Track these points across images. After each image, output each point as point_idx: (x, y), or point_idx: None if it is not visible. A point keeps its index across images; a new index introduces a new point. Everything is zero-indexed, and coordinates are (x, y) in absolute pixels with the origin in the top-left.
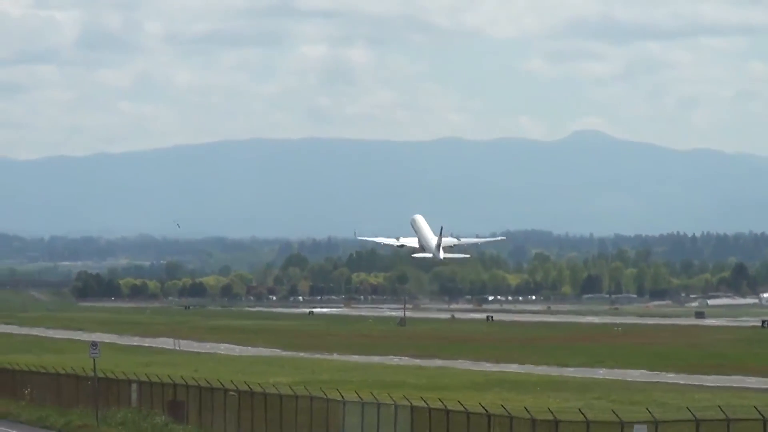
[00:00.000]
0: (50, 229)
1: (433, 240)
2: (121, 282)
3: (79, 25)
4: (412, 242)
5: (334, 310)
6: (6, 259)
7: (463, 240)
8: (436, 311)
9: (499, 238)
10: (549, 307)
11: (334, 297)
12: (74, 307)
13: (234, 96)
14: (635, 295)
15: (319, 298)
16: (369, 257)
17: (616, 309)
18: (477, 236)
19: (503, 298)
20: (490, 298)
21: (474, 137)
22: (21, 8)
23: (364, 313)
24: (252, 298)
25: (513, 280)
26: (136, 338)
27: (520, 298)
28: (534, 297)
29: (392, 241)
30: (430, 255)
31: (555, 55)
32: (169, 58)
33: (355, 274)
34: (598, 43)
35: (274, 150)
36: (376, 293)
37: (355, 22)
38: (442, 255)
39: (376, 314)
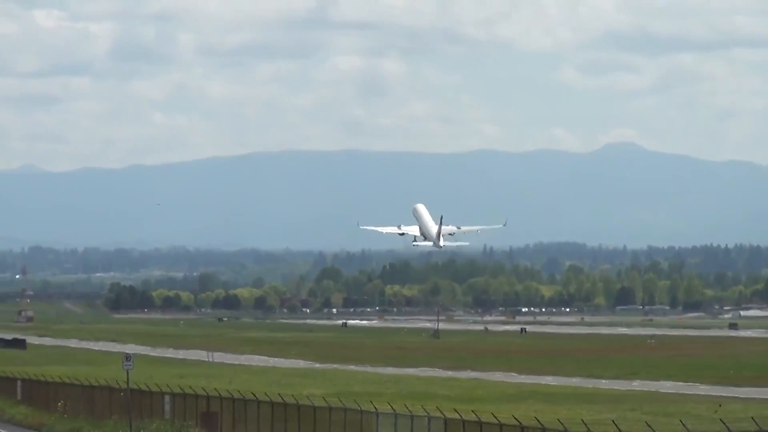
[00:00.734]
0: (84, 241)
1: (433, 228)
2: (154, 294)
3: (113, 37)
4: (413, 230)
5: (367, 323)
6: (40, 271)
7: (463, 228)
8: (471, 323)
9: (498, 226)
10: (582, 319)
11: (367, 309)
12: (108, 319)
13: (268, 108)
14: (668, 307)
15: (352, 310)
16: (402, 269)
17: (650, 321)
18: (510, 247)
19: (537, 310)
20: (524, 309)
21: (507, 149)
22: (55, 20)
23: (397, 325)
24: (286, 310)
25: (546, 291)
26: (170, 350)
27: (554, 310)
28: (567, 309)
29: (394, 229)
30: (430, 243)
31: (589, 66)
32: (204, 70)
33: (389, 286)
34: (632, 55)
35: (308, 162)
36: (409, 305)
37: (389, 34)
38: (442, 242)
39: (409, 326)
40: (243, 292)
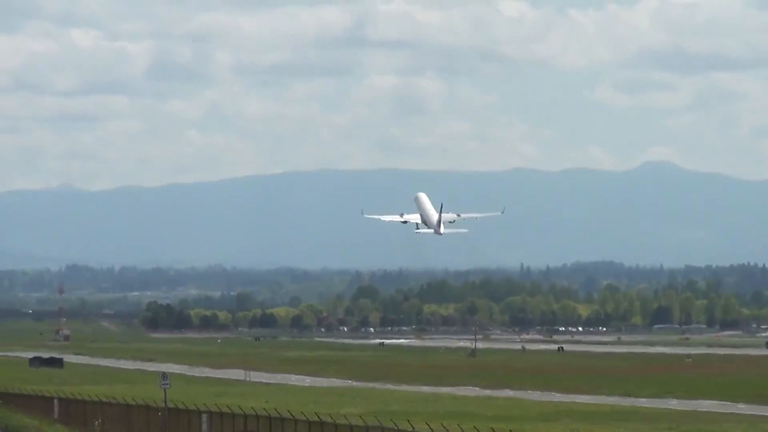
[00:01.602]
0: (120, 260)
1: (434, 215)
2: (191, 313)
3: (150, 56)
4: (415, 218)
5: (405, 342)
6: (76, 290)
7: (463, 215)
8: (508, 342)
9: (496, 213)
10: (619, 338)
11: (404, 328)
12: (145, 338)
13: (304, 126)
14: (705, 326)
15: (390, 329)
16: (440, 288)
17: (687, 339)
18: (547, 266)
19: (574, 329)
20: (561, 328)
21: (544, 168)
22: (92, 39)
23: (434, 344)
24: (323, 329)
25: (583, 310)
26: (207, 369)
27: (591, 329)
28: (604, 328)
29: (396, 217)
30: (431, 230)
31: (625, 85)
32: (240, 89)
33: (426, 305)
34: (669, 73)
35: (345, 180)
36: (446, 324)
37: (426, 53)
38: (442, 230)
39: (446, 345)
40: (280, 311)
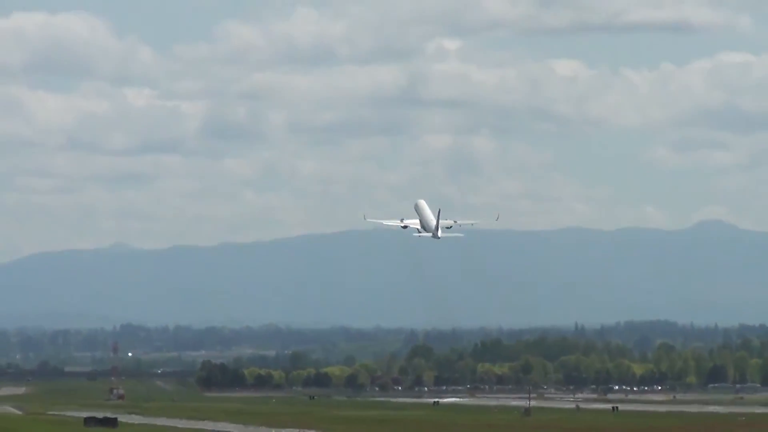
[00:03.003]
0: (175, 319)
1: (432, 221)
2: (245, 372)
3: (204, 115)
4: (415, 223)
5: (459, 401)
6: (131, 349)
7: (459, 221)
8: (562, 401)
9: (490, 220)
10: (674, 397)
11: (459, 387)
12: (199, 397)
13: (358, 185)
14: (760, 385)
15: (444, 388)
16: (494, 347)
17: (741, 398)
18: (601, 325)
19: (628, 388)
20: (615, 387)
21: (599, 227)
22: (146, 99)
23: (489, 403)
24: (377, 388)
25: (638, 369)
26: (262, 428)
27: (645, 388)
28: (659, 387)
29: (397, 222)
30: (429, 234)
31: (679, 144)
32: (294, 148)
33: (480, 364)
34: (723, 132)
35: (399, 239)
36: (500, 383)
37: (480, 112)
38: (440, 234)
39: (501, 404)
40: (334, 371)
